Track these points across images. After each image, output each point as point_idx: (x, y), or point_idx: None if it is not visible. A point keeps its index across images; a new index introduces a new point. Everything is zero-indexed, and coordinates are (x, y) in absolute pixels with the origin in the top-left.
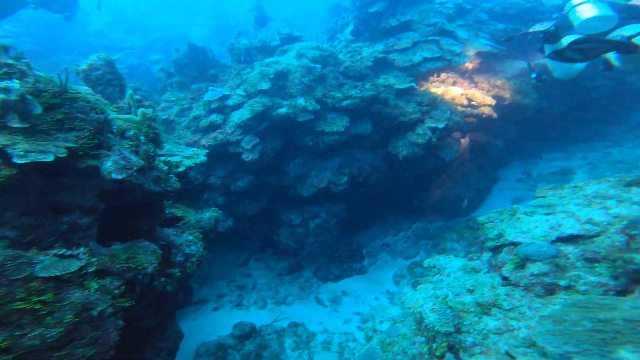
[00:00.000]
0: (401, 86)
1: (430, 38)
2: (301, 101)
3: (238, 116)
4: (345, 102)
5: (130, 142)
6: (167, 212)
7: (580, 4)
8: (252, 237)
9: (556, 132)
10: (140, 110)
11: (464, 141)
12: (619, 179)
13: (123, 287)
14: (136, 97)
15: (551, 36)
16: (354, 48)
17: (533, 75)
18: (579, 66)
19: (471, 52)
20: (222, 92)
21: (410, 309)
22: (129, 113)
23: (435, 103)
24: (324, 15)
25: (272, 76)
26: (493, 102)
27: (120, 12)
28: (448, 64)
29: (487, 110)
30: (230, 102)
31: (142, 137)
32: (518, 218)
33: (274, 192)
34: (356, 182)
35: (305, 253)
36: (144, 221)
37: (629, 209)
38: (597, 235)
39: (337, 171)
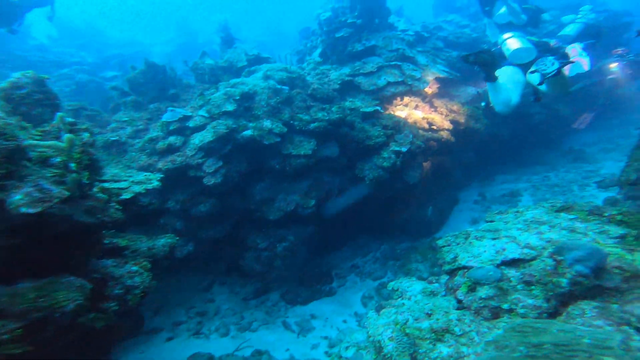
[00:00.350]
0: (367, 109)
1: (393, 63)
2: (267, 123)
3: (200, 138)
4: (312, 125)
5: (55, 171)
6: (108, 242)
7: (508, 38)
8: (217, 260)
9: (506, 156)
10: (67, 136)
11: (427, 164)
12: (551, 205)
13: (20, 330)
14: (69, 119)
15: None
16: (321, 71)
17: (482, 104)
18: (515, 101)
19: (430, 78)
20: (182, 113)
21: (370, 337)
22: (59, 137)
23: (399, 127)
24: (295, 38)
25: (237, 97)
26: (450, 126)
27: (71, 25)
28: (409, 89)
29: (445, 135)
30: (191, 124)
31: (73, 165)
32: (470, 242)
33: (240, 215)
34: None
35: (272, 277)
36: (74, 254)
37: (558, 233)
38: (533, 259)
39: (305, 194)
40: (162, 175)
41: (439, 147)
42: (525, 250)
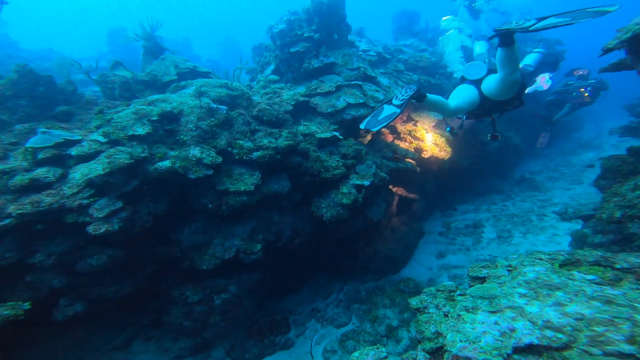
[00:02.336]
0: (323, 135)
1: (353, 82)
2: (195, 152)
3: (83, 171)
4: (256, 154)
5: None
6: None
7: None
8: (138, 313)
9: (464, 185)
10: None
11: (391, 197)
12: (550, 258)
13: None
14: None
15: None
16: (273, 89)
17: (447, 129)
18: (452, 106)
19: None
20: (62, 136)
21: None
22: None
23: (360, 156)
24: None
25: (155, 117)
26: (416, 155)
27: None
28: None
29: (410, 164)
30: (74, 152)
31: None
32: (459, 315)
33: (161, 265)
34: (275, 249)
35: (209, 335)
36: None
37: (588, 306)
38: (565, 347)
39: (248, 238)
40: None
41: (403, 177)
42: (548, 333)
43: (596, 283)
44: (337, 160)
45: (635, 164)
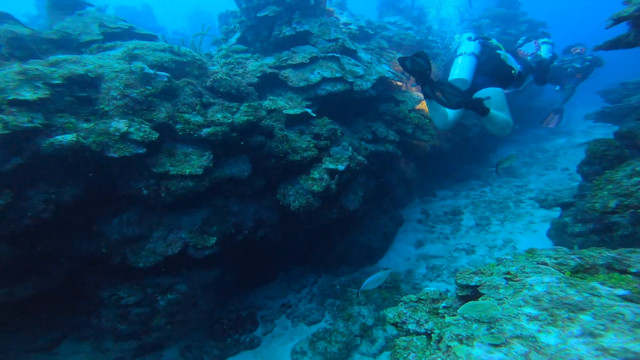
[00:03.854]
0: (292, 111)
1: (330, 54)
2: (119, 125)
3: None
4: (206, 131)
5: None
6: None
7: (459, 56)
8: (69, 312)
9: (444, 170)
10: None
11: (370, 183)
12: (557, 262)
13: None
14: None
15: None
16: (236, 59)
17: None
18: (451, 118)
19: (374, 77)
20: None
21: None
22: None
23: (335, 136)
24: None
25: (58, 81)
26: (397, 137)
27: None
28: (350, 88)
29: (391, 148)
30: None
31: None
32: (448, 347)
33: (81, 261)
34: (235, 242)
35: (151, 339)
36: None
37: (635, 337)
38: None
39: (199, 230)
40: None
41: (384, 161)
42: None
43: (628, 299)
44: (307, 141)
45: (621, 149)
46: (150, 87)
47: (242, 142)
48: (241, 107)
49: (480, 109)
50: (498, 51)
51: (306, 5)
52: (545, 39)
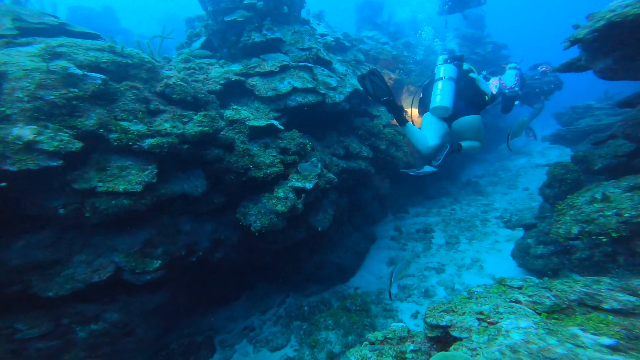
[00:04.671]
0: (257, 123)
1: (302, 64)
2: (23, 132)
3: None
4: (149, 142)
5: None
6: None
7: (438, 80)
8: None
9: (416, 187)
10: None
11: (341, 201)
12: (532, 301)
13: None
14: None
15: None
16: (198, 64)
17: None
18: (432, 143)
19: (347, 89)
20: None
21: None
22: None
23: (305, 151)
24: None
25: None
26: (370, 153)
27: None
28: (322, 99)
29: (364, 164)
30: None
31: None
32: None
33: None
34: (186, 265)
35: None
36: None
37: None
38: None
39: (139, 253)
40: None
41: (356, 178)
42: None
43: (616, 350)
44: (272, 156)
45: (578, 173)
46: (76, 90)
47: (197, 156)
48: (195, 117)
49: (457, 150)
50: (472, 75)
51: (279, 13)
52: (514, 64)
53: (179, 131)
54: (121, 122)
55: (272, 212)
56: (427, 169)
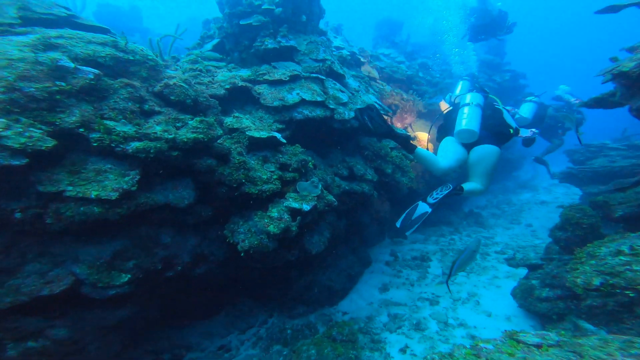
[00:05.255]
0: (258, 134)
1: (314, 75)
2: None
3: None
4: (134, 145)
5: None
6: None
7: (465, 106)
8: None
9: None
10: None
11: (339, 223)
12: None
13: None
14: None
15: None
16: (205, 66)
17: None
18: (445, 165)
19: (358, 106)
20: None
21: None
22: None
23: (306, 169)
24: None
25: None
26: (375, 177)
27: None
28: (331, 115)
29: (367, 188)
30: None
31: None
32: None
33: None
34: (162, 279)
35: None
36: None
37: None
38: None
39: (106, 265)
40: None
41: (357, 201)
42: None
43: None
44: (271, 172)
45: (596, 218)
46: (63, 84)
47: (187, 164)
48: (190, 122)
49: (458, 193)
50: (497, 106)
51: (297, 21)
52: (533, 98)
53: (170, 136)
54: (107, 122)
55: (263, 233)
56: (421, 210)
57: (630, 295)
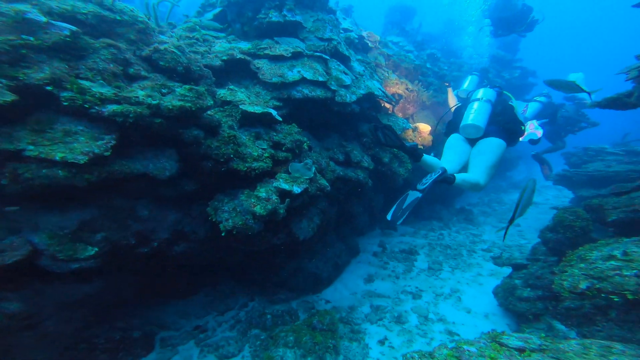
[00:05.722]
0: (251, 109)
1: (318, 54)
2: None
3: None
4: (111, 107)
5: None
6: None
7: (474, 101)
8: None
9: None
10: None
11: (330, 209)
12: None
13: None
14: None
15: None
16: (203, 35)
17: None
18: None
19: (361, 91)
20: None
21: None
22: None
23: (300, 149)
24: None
25: None
26: (371, 165)
27: None
28: (332, 96)
29: (362, 176)
30: None
31: None
32: None
33: None
34: (135, 255)
35: None
36: None
37: None
38: None
39: (70, 235)
40: None
41: (352, 188)
42: None
43: None
44: (262, 149)
45: (588, 221)
46: (31, 38)
47: (172, 134)
48: (178, 89)
49: (448, 181)
50: (511, 103)
51: None
52: (542, 98)
53: (154, 102)
54: (82, 81)
55: (249, 213)
56: (412, 197)
57: (615, 299)
